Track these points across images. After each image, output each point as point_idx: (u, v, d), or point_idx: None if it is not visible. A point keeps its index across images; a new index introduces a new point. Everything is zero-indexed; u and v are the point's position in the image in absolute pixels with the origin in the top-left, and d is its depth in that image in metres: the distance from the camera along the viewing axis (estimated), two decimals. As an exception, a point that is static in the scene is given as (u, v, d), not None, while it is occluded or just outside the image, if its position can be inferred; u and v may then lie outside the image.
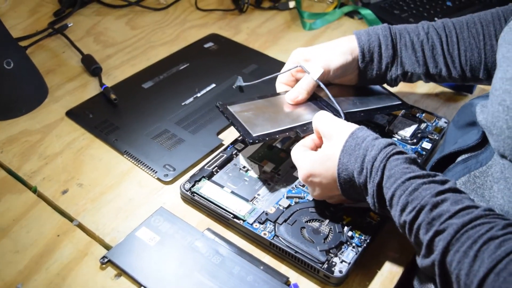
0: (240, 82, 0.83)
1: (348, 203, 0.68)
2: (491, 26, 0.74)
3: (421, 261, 0.53)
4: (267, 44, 1.11)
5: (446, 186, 0.53)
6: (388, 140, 0.59)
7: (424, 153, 0.78)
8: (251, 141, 0.69)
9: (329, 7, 1.25)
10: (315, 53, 0.77)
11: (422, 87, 0.97)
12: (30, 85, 0.92)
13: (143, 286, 0.61)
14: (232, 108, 0.75)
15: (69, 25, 1.13)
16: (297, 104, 0.77)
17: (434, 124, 0.84)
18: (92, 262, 0.65)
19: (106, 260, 0.64)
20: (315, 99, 0.79)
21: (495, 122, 0.51)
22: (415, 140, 0.81)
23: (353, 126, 0.63)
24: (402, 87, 0.96)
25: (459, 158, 0.64)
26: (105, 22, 1.17)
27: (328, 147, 0.64)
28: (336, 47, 0.77)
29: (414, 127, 0.83)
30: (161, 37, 1.13)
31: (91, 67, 0.99)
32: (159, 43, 1.11)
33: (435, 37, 0.75)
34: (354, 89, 0.83)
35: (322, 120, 0.67)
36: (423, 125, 0.84)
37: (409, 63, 0.76)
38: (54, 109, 0.90)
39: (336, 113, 0.75)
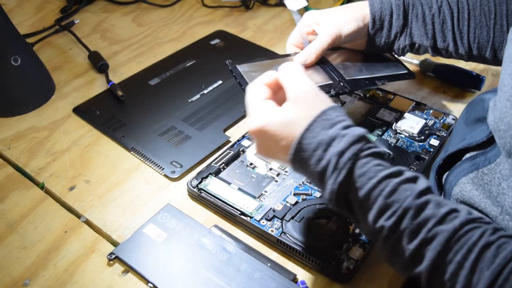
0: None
1: None
2: (504, 5, 0.74)
3: (402, 271, 0.49)
4: (274, 41, 1.11)
5: (423, 184, 0.49)
6: (359, 131, 0.52)
7: (431, 150, 0.78)
8: None
9: (336, 3, 1.24)
10: (327, 17, 0.78)
11: (430, 83, 0.96)
12: (37, 81, 0.92)
13: (150, 283, 0.61)
14: (241, 68, 0.76)
15: (76, 22, 1.13)
16: (306, 67, 0.78)
17: (441, 120, 0.84)
18: (100, 259, 0.65)
19: (113, 256, 0.64)
20: (323, 63, 0.80)
21: (503, 117, 0.51)
22: (422, 137, 0.80)
23: (325, 103, 0.54)
24: (410, 83, 0.96)
25: (467, 155, 0.64)
26: (111, 19, 1.17)
27: (292, 112, 0.54)
28: (348, 12, 0.78)
29: (421, 123, 0.83)
30: (167, 34, 1.13)
31: (98, 63, 0.99)
32: (166, 40, 1.10)
33: (447, 12, 0.76)
34: (362, 55, 0.84)
35: (293, 78, 0.57)
36: (430, 122, 0.83)
37: (417, 34, 0.78)
38: (61, 106, 0.91)
39: (341, 79, 0.77)
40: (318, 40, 0.77)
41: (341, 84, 0.76)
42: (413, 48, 0.80)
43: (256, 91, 0.58)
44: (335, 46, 0.80)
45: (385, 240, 0.49)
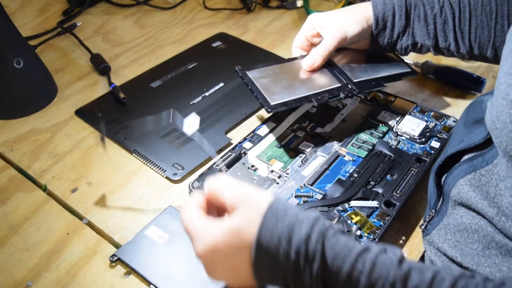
0: None
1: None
2: (505, 6, 0.75)
3: None
4: (275, 43, 1.11)
5: (398, 252, 0.46)
6: (314, 213, 0.48)
7: (432, 152, 0.78)
8: (269, 109, 0.73)
9: (337, 6, 1.25)
10: (331, 19, 0.80)
11: (431, 86, 0.97)
12: (40, 84, 0.92)
13: (152, 285, 0.61)
14: (251, 74, 0.79)
15: (78, 24, 1.13)
16: (313, 71, 0.81)
17: (442, 123, 0.84)
18: (102, 261, 0.65)
19: (115, 258, 0.64)
20: (329, 65, 0.82)
21: (499, 116, 0.51)
22: (423, 139, 0.81)
23: (266, 197, 0.49)
24: (411, 86, 0.96)
25: (465, 157, 0.64)
26: (113, 21, 1.18)
27: (237, 218, 0.48)
28: (351, 14, 0.80)
29: (422, 126, 0.83)
30: (169, 36, 1.13)
31: (100, 66, 0.99)
32: (168, 42, 1.11)
33: (448, 12, 0.77)
34: (366, 55, 0.86)
35: (223, 188, 0.51)
36: (431, 124, 0.84)
37: (420, 34, 0.79)
38: (63, 108, 0.91)
39: (348, 81, 0.80)
40: (324, 43, 0.79)
41: (349, 86, 0.78)
42: (416, 48, 0.81)
43: (191, 215, 0.52)
44: (341, 48, 0.82)
45: None
